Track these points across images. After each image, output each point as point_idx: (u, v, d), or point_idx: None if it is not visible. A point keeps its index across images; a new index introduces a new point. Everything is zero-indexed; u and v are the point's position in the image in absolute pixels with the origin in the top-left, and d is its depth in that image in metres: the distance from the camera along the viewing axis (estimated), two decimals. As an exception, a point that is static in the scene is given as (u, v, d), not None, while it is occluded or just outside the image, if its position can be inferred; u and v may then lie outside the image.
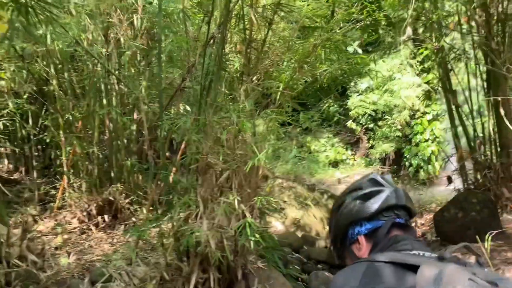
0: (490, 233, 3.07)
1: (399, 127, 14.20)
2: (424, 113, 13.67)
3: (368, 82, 14.31)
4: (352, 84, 14.36)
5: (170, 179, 4.23)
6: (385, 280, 1.02)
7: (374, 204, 1.24)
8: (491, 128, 5.76)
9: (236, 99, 3.58)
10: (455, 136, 6.03)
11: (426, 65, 13.64)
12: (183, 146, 4.44)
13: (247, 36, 3.66)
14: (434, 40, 5.52)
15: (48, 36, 4.69)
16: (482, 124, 5.89)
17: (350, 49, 6.37)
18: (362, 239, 1.26)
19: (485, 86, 5.76)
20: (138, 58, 6.14)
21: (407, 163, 13.67)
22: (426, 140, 13.63)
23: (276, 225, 6.15)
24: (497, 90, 5.25)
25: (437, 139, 13.55)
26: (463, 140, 6.21)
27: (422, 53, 13.55)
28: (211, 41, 3.73)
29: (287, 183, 6.75)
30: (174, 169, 4.38)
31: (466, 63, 5.86)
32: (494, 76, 5.36)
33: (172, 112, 4.72)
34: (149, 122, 4.38)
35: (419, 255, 1.10)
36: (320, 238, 6.16)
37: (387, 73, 13.88)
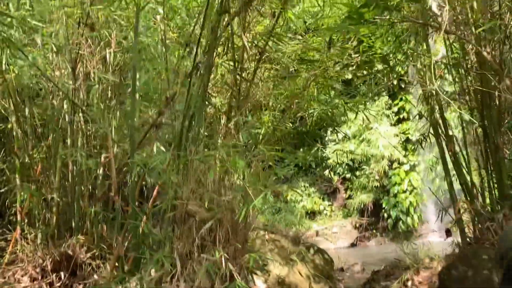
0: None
1: (376, 177, 13.97)
2: (402, 163, 13.53)
3: (345, 131, 14.19)
4: (329, 132, 14.25)
5: (141, 230, 3.59)
6: None
7: None
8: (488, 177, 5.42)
9: (221, 136, 3.05)
10: (450, 185, 5.64)
11: (401, 115, 13.74)
12: (156, 191, 3.85)
13: (238, 65, 3.21)
14: (428, 82, 5.25)
15: (3, 61, 4.11)
16: (480, 172, 5.54)
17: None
18: None
19: (480, 131, 5.48)
20: (109, 95, 5.59)
21: (385, 215, 13.33)
22: (404, 191, 13.39)
23: (258, 284, 5.46)
24: (496, 135, 4.95)
25: (415, 190, 13.33)
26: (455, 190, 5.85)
27: (397, 104, 13.69)
28: (195, 70, 3.25)
29: (269, 235, 6.13)
30: (144, 218, 3.76)
31: (460, 108, 5.60)
32: (491, 120, 5.08)
33: (144, 153, 4.12)
34: (118, 163, 3.78)
35: None
36: (308, 299, 5.49)
37: (364, 122, 13.80)
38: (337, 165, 14.40)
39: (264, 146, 3.23)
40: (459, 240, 5.52)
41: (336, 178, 14.66)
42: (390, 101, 14.21)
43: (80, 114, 5.36)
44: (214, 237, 2.98)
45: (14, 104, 5.37)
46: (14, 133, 5.56)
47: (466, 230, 5.65)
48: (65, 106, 5.57)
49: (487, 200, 5.44)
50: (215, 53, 3.30)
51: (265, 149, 2.96)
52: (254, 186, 2.84)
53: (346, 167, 14.41)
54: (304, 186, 14.98)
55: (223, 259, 2.70)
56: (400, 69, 10.20)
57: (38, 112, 5.74)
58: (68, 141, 5.54)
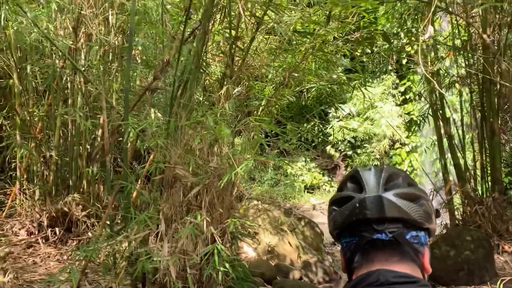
0: (502, 280, 2.64)
1: (377, 156, 13.98)
2: (403, 144, 13.52)
3: (349, 108, 14.13)
4: (333, 109, 14.20)
5: (133, 191, 3.68)
6: None
7: (342, 215, 0.99)
8: (482, 161, 5.44)
9: (215, 103, 3.08)
10: (444, 168, 5.68)
11: (407, 96, 13.63)
12: (152, 155, 3.92)
13: (233, 34, 3.20)
14: (429, 63, 5.21)
15: (2, 16, 4.09)
16: (474, 156, 5.57)
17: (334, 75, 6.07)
18: (341, 252, 1.03)
19: (478, 115, 5.46)
20: (110, 57, 5.61)
21: (384, 194, 13.40)
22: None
23: (248, 251, 5.61)
24: (494, 120, 4.95)
25: (415, 172, 13.36)
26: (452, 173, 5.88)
27: (404, 83, 13.55)
28: (190, 36, 3.25)
29: (262, 205, 6.23)
30: (138, 180, 3.84)
31: (460, 90, 5.57)
32: (490, 104, 5.06)
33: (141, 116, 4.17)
34: (112, 124, 3.84)
35: None
36: (295, 268, 5.64)
37: (369, 101, 13.71)
38: (339, 142, 14.42)
39: (255, 117, 3.26)
40: (448, 221, 5.61)
41: (337, 154, 14.70)
42: (397, 81, 14.08)
43: (81, 75, 5.39)
44: (200, 202, 3.05)
45: (16, 61, 5.41)
46: (16, 90, 5.61)
47: (456, 212, 5.72)
48: (66, 66, 5.61)
49: (479, 184, 5.48)
50: (212, 20, 3.30)
51: (253, 120, 2.99)
52: (241, 155, 2.89)
53: (348, 144, 14.42)
54: (305, 161, 15.05)
55: (205, 222, 2.78)
56: (410, 49, 10.09)
57: (40, 70, 5.79)
58: (69, 101, 5.60)
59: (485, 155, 5.46)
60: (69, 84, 5.63)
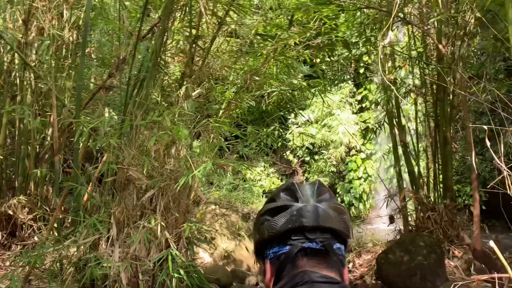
0: (455, 285, 2.68)
1: (334, 162, 14.21)
2: (359, 151, 13.82)
3: (308, 115, 14.29)
4: (292, 115, 14.31)
5: (83, 194, 3.49)
6: None
7: (277, 224, 1.00)
8: (432, 168, 5.60)
9: (173, 103, 2.98)
10: (399, 174, 5.80)
11: (364, 104, 13.97)
12: (105, 156, 3.74)
13: (193, 33, 3.11)
14: (386, 72, 5.32)
15: None
16: (427, 164, 5.72)
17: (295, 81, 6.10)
18: (267, 264, 1.03)
19: (432, 124, 5.63)
20: (63, 53, 5.35)
21: (339, 199, 13.63)
22: (359, 178, 13.72)
23: (204, 256, 5.48)
24: (446, 129, 5.10)
25: (369, 178, 13.69)
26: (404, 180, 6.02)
27: (361, 92, 13.88)
28: (149, 33, 3.13)
29: (220, 210, 6.13)
30: (89, 182, 3.65)
31: (415, 100, 5.72)
32: (443, 114, 5.22)
33: (94, 115, 3.99)
34: (62, 122, 3.63)
35: None
36: (251, 274, 5.57)
37: (327, 108, 13.94)
38: (298, 148, 14.55)
39: (214, 119, 3.18)
40: (402, 227, 5.73)
41: (295, 160, 14.82)
42: (354, 89, 14.40)
43: (31, 70, 5.11)
44: (155, 206, 2.93)
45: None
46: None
47: (410, 218, 5.86)
48: (16, 61, 5.32)
49: (431, 191, 5.64)
50: (171, 17, 3.19)
51: (213, 121, 2.91)
52: (200, 158, 2.80)
53: (306, 150, 14.57)
54: (264, 166, 15.06)
55: (159, 227, 2.67)
56: (367, 58, 10.30)
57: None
58: (17, 97, 5.30)
59: (438, 163, 5.63)
60: (17, 80, 5.32)
